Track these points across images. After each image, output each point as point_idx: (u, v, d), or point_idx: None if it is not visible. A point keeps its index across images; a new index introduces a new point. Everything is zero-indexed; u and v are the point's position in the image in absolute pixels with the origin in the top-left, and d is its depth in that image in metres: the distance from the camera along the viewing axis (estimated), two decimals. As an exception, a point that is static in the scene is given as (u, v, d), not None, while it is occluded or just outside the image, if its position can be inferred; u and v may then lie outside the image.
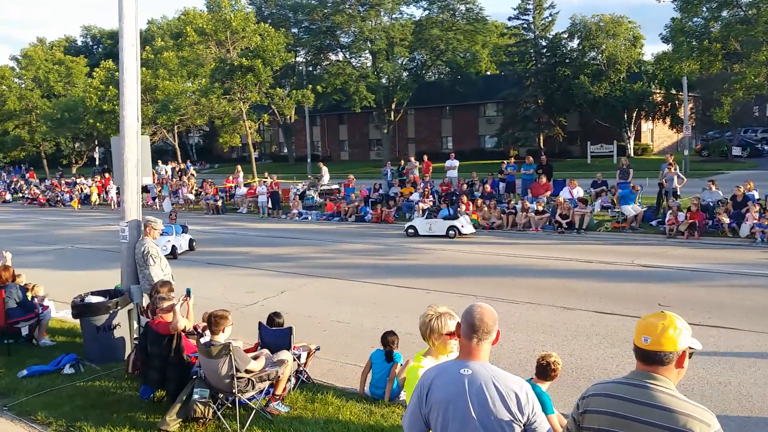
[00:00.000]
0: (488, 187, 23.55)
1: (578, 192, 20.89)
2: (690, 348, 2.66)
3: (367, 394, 7.05)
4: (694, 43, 23.67)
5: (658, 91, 46.47)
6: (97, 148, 62.49)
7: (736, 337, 8.76)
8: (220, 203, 28.52)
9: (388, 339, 7.07)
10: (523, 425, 2.89)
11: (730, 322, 9.45)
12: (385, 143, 55.13)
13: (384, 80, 52.67)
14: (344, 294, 12.28)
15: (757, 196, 18.29)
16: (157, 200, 31.24)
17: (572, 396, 6.80)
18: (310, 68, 58.31)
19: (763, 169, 35.57)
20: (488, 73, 60.35)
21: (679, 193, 19.66)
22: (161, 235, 12.36)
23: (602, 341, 8.88)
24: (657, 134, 52.81)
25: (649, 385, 2.60)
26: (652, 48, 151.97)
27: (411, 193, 24.80)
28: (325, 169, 30.65)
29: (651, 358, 2.63)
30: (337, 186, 28.89)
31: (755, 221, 16.32)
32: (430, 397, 3.01)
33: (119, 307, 8.29)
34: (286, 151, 64.02)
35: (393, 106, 53.24)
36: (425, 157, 28.39)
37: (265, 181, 28.69)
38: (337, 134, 66.69)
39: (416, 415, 3.07)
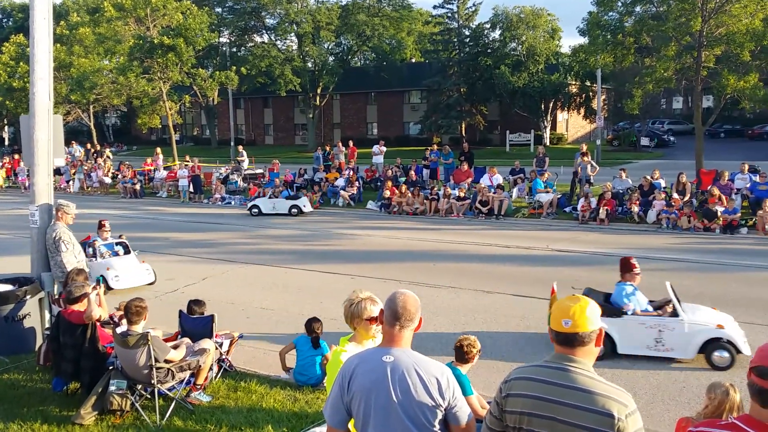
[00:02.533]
0: (413, 174, 23.83)
1: (497, 179, 21.48)
2: (602, 327, 2.77)
3: (290, 373, 7.07)
4: (608, 36, 24.52)
5: (573, 82, 48.17)
6: (6, 127, 58.87)
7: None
8: (138, 187, 27.49)
9: (313, 326, 7.09)
10: (444, 410, 2.96)
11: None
12: (310, 128, 54.62)
13: (310, 64, 52.03)
14: (268, 280, 12.18)
15: (663, 185, 19.37)
16: (71, 183, 29.86)
17: (492, 377, 7.05)
18: (234, 49, 56.82)
19: (668, 158, 37.67)
20: (413, 60, 60.70)
21: (592, 180, 20.59)
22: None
23: (519, 323, 9.24)
24: (572, 124, 54.81)
25: (569, 368, 2.67)
26: (569, 40, 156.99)
27: (336, 179, 24.76)
28: (244, 153, 30.06)
29: (571, 340, 2.69)
30: (261, 170, 28.43)
31: (662, 208, 17.29)
32: (352, 384, 3.02)
33: (29, 296, 7.92)
34: (208, 133, 62.29)
35: (319, 91, 52.73)
36: (351, 143, 28.39)
37: (186, 165, 27.86)
38: (262, 118, 65.44)
39: (338, 404, 3.07)
